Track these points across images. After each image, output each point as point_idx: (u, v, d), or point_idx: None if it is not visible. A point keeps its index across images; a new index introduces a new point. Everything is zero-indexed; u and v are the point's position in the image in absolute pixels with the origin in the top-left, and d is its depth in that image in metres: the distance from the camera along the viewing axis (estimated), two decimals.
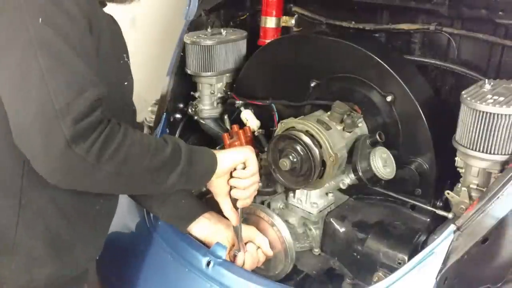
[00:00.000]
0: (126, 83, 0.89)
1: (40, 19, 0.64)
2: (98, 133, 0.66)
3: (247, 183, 0.86)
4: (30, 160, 0.67)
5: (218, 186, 0.86)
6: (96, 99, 0.67)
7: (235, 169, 0.85)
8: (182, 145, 0.79)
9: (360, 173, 0.94)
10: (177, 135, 1.30)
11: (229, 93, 1.27)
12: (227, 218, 0.92)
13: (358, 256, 0.96)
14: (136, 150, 0.71)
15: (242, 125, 1.18)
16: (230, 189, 0.87)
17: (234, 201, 0.88)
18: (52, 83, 0.63)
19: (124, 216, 1.15)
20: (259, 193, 1.01)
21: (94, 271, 0.99)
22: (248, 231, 0.93)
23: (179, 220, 0.96)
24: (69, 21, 0.67)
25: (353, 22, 1.19)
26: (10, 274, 0.76)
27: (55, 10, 0.66)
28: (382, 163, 0.94)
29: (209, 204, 0.99)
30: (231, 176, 0.86)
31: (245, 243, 0.93)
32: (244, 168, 0.85)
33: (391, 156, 0.97)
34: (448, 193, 0.90)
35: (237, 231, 0.90)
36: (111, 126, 0.68)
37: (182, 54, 1.27)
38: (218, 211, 0.93)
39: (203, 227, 0.95)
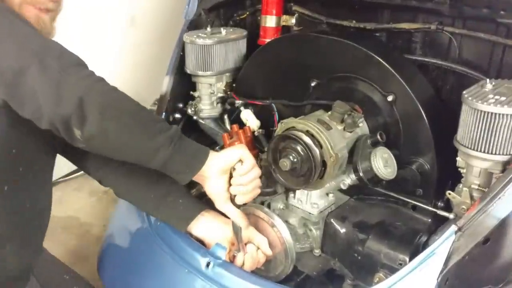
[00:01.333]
0: None
1: None
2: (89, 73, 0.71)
3: (250, 177, 0.85)
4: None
5: (215, 188, 0.84)
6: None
7: (234, 169, 0.84)
8: (174, 126, 0.79)
9: (361, 173, 0.94)
10: None
11: (229, 92, 1.27)
12: (226, 216, 0.91)
13: (359, 257, 0.96)
14: (128, 100, 0.74)
15: (242, 125, 1.18)
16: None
17: (233, 198, 0.87)
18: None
19: (124, 217, 1.14)
20: (260, 193, 1.00)
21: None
22: (247, 232, 0.93)
23: (177, 220, 0.96)
24: None
25: (354, 21, 1.19)
26: None
27: None
28: (383, 163, 0.94)
29: (209, 204, 0.98)
30: (230, 177, 0.85)
31: (245, 244, 0.93)
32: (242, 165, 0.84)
33: (392, 156, 0.97)
34: (449, 194, 0.89)
35: (237, 232, 0.90)
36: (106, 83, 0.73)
37: (181, 53, 1.27)
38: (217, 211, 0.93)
39: (202, 225, 0.94)
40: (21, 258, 0.86)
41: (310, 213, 1.02)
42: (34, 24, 0.79)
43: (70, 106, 0.68)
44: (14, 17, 0.73)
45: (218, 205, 0.88)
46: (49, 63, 0.68)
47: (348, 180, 0.98)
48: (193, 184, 0.94)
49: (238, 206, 0.88)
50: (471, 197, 0.86)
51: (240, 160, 0.84)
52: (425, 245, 0.92)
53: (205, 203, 0.99)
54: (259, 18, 1.35)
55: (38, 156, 0.85)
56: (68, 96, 0.68)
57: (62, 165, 1.04)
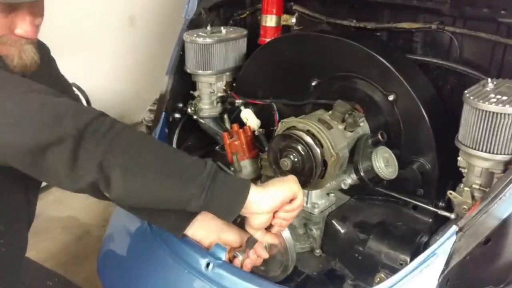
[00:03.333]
0: None
1: None
2: (106, 125, 0.67)
3: (294, 215, 0.81)
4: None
5: (260, 224, 0.78)
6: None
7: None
8: (208, 161, 0.72)
9: (362, 173, 0.93)
10: (176, 134, 1.29)
11: (229, 92, 1.26)
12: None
13: (360, 257, 0.96)
14: (151, 148, 0.70)
15: (242, 124, 1.18)
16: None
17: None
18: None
19: (123, 218, 1.14)
20: None
21: None
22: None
23: (173, 229, 0.93)
24: None
25: (354, 21, 1.18)
26: None
27: None
28: (384, 163, 0.94)
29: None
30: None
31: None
32: (290, 201, 0.79)
33: (393, 156, 0.96)
34: (450, 193, 0.89)
35: (251, 244, 0.88)
36: (121, 124, 0.68)
37: (181, 53, 1.26)
38: None
39: (197, 229, 0.92)
40: None
41: (310, 213, 1.01)
42: (9, 59, 0.76)
43: (92, 176, 0.66)
44: (14, 85, 0.69)
45: (250, 231, 0.83)
46: (65, 132, 0.65)
47: (349, 180, 0.98)
48: None
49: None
50: (472, 197, 0.86)
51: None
52: (426, 245, 0.92)
53: None
54: (259, 17, 1.35)
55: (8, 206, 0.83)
56: (87, 166, 0.66)
57: None
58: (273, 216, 0.79)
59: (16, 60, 0.77)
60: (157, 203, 0.74)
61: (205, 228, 0.93)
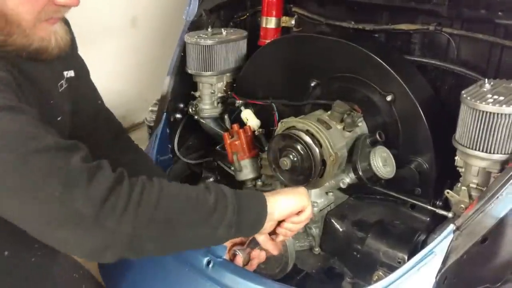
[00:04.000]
0: (59, 119, 0.77)
1: None
2: (124, 197, 0.59)
3: (300, 227, 0.82)
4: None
5: (265, 227, 0.77)
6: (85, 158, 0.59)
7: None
8: (226, 192, 0.70)
9: (360, 172, 0.94)
10: (177, 134, 1.30)
11: (229, 92, 1.27)
12: None
13: (358, 255, 0.97)
14: (175, 206, 0.64)
15: (242, 124, 1.18)
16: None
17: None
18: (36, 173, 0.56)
19: None
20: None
21: None
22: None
23: None
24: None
25: (353, 23, 1.19)
26: None
27: None
28: (382, 162, 0.94)
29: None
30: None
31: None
32: (298, 213, 0.80)
33: (391, 156, 0.97)
34: (448, 193, 0.90)
35: (254, 245, 0.89)
36: (138, 185, 0.61)
37: (182, 54, 1.27)
38: None
39: None
40: None
41: None
42: (47, 42, 0.67)
43: (122, 253, 0.61)
44: (22, 135, 0.57)
45: (256, 235, 0.82)
46: (78, 212, 0.56)
47: (348, 179, 0.99)
48: None
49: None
50: (470, 196, 0.87)
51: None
52: (423, 244, 0.93)
53: None
54: (259, 19, 1.36)
55: None
56: (114, 246, 0.60)
57: None
58: (279, 225, 0.80)
59: (53, 42, 0.69)
60: (194, 249, 0.76)
61: None
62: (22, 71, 0.67)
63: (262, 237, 0.84)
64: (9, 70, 0.64)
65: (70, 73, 0.82)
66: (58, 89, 0.78)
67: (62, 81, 0.79)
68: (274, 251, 0.86)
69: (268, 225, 0.78)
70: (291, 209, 0.78)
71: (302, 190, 0.82)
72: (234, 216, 0.70)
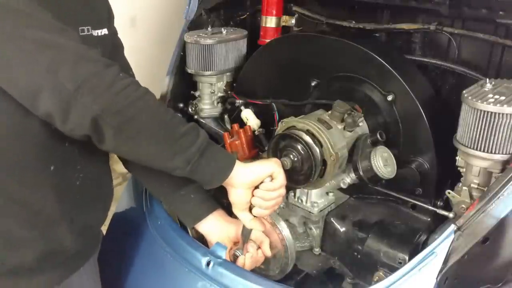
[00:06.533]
0: None
1: None
2: (106, 81, 0.66)
3: (274, 195, 0.82)
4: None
5: (238, 197, 0.82)
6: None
7: (262, 181, 0.81)
8: (201, 134, 0.75)
9: (361, 172, 0.94)
10: None
11: (229, 92, 1.27)
12: (235, 217, 0.90)
13: (359, 256, 0.96)
14: (148, 113, 0.69)
15: (242, 124, 1.18)
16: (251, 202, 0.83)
17: (251, 207, 0.85)
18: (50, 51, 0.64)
19: (124, 216, 1.15)
20: None
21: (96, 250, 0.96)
22: (256, 232, 0.91)
23: (185, 216, 0.95)
24: None
25: (353, 22, 1.19)
26: None
27: None
28: (383, 162, 0.94)
29: (217, 194, 0.97)
30: (255, 188, 0.82)
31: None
32: (271, 181, 0.81)
33: (392, 156, 0.97)
34: (449, 193, 0.89)
35: (246, 235, 0.89)
36: (125, 80, 0.67)
37: (182, 53, 1.27)
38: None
39: (208, 223, 0.93)
40: (77, 232, 0.84)
41: (310, 212, 1.02)
42: None
43: (85, 129, 0.67)
44: (21, 16, 0.66)
45: (235, 211, 0.86)
46: (61, 82, 0.64)
47: (348, 179, 0.99)
48: None
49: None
50: (471, 196, 0.87)
51: (270, 175, 0.81)
52: (424, 244, 0.93)
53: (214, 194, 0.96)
54: (259, 18, 1.35)
55: None
56: (80, 120, 0.66)
57: None
58: (252, 195, 0.82)
59: None
60: (144, 164, 0.77)
61: (213, 225, 0.93)
62: None
63: (243, 214, 0.84)
64: None
65: (104, 31, 0.86)
66: (79, 32, 0.80)
67: (84, 28, 0.81)
68: (259, 227, 0.86)
69: (240, 193, 0.80)
70: (259, 173, 0.80)
71: (274, 159, 0.85)
72: (197, 155, 0.72)
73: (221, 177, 0.78)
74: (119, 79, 0.68)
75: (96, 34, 0.83)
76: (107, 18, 0.89)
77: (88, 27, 0.81)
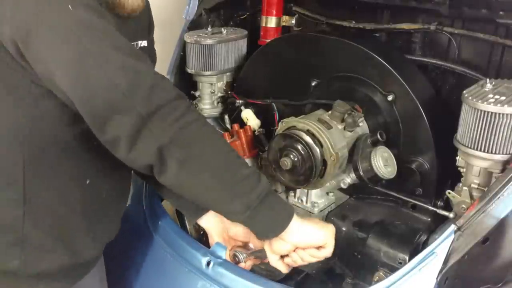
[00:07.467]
0: None
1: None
2: (178, 112, 0.65)
3: (313, 260, 0.79)
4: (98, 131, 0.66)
5: (279, 248, 0.77)
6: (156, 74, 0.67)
7: None
8: (262, 179, 0.71)
9: (361, 173, 0.94)
10: None
11: (229, 92, 1.27)
12: None
13: (359, 256, 0.96)
14: (214, 151, 0.68)
15: (242, 124, 1.18)
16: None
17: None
18: (111, 65, 0.64)
19: (124, 216, 1.14)
20: None
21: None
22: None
23: (188, 211, 0.94)
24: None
25: (354, 22, 1.19)
26: (21, 265, 0.76)
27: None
28: (383, 162, 0.94)
29: None
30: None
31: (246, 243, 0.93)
32: (319, 248, 0.78)
33: (392, 156, 0.97)
34: (449, 193, 0.89)
35: (260, 255, 0.87)
36: (195, 114, 0.67)
37: (182, 53, 1.27)
38: None
39: (210, 218, 0.92)
40: (97, 244, 0.85)
41: (310, 212, 1.02)
42: (128, 4, 0.74)
43: (149, 158, 0.65)
44: (104, 36, 0.65)
45: (266, 249, 0.81)
46: (136, 107, 0.63)
47: (348, 179, 0.99)
48: None
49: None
50: (471, 196, 0.87)
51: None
52: (424, 244, 0.93)
53: None
54: (259, 18, 1.35)
55: None
56: (147, 148, 0.64)
57: None
58: (294, 249, 0.79)
59: (130, 1, 0.76)
60: (200, 203, 0.77)
61: (216, 220, 0.93)
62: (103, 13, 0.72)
63: (273, 256, 0.81)
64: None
65: (144, 43, 0.87)
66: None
67: (134, 44, 0.83)
68: (283, 270, 0.83)
69: (284, 247, 0.77)
70: (313, 241, 0.77)
71: (331, 227, 0.80)
72: (256, 202, 0.69)
73: (277, 230, 0.74)
74: (190, 111, 0.67)
75: (139, 46, 0.85)
76: (147, 29, 0.90)
77: (137, 42, 0.84)
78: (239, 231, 0.92)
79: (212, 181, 0.69)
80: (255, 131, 1.17)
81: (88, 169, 0.77)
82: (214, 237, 0.93)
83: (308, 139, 0.91)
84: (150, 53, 0.92)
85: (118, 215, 0.91)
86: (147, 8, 0.90)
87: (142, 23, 0.88)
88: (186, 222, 1.09)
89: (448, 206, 0.94)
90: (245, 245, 0.93)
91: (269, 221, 0.73)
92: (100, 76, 0.63)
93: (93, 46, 0.64)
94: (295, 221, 0.75)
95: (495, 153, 0.82)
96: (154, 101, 0.64)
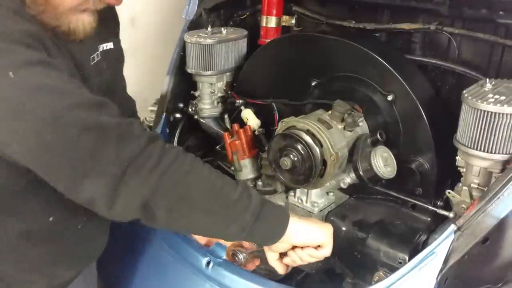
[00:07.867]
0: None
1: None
2: (153, 160, 0.61)
3: (311, 260, 0.80)
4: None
5: (278, 247, 0.77)
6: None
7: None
8: (253, 195, 0.70)
9: (361, 172, 0.94)
10: (177, 134, 1.29)
11: (229, 92, 1.27)
12: None
13: (359, 256, 0.96)
14: (199, 187, 0.65)
15: (242, 124, 1.18)
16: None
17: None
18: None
19: None
20: (259, 192, 1.00)
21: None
22: None
23: None
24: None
25: (353, 22, 1.19)
26: None
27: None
28: (383, 162, 0.94)
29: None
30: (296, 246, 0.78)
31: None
32: (317, 248, 0.79)
33: (392, 156, 0.97)
34: (449, 193, 0.90)
35: (261, 253, 0.88)
36: (170, 153, 0.63)
37: (182, 53, 1.27)
38: None
39: None
40: (72, 271, 0.85)
41: (310, 211, 1.02)
42: (74, 26, 0.68)
43: (133, 213, 0.63)
44: (60, 96, 0.59)
45: (265, 249, 0.82)
46: (106, 167, 0.59)
47: (348, 179, 0.99)
48: None
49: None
50: (471, 196, 0.87)
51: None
52: (424, 244, 0.93)
53: None
54: (259, 18, 1.35)
55: None
56: (129, 205, 0.62)
57: None
58: (293, 249, 0.79)
59: (81, 28, 0.70)
60: (197, 234, 0.79)
61: None
62: (54, 42, 0.68)
63: (271, 254, 0.82)
64: (41, 33, 0.64)
65: (109, 45, 0.83)
66: (90, 62, 0.78)
67: (95, 54, 0.79)
68: (281, 270, 0.84)
69: (282, 246, 0.77)
70: (311, 239, 0.77)
71: (329, 227, 0.81)
72: (251, 221, 0.69)
73: (276, 237, 0.75)
74: (164, 153, 0.63)
75: (101, 49, 0.81)
76: (114, 29, 0.87)
77: (101, 44, 0.80)
78: None
79: (204, 215, 0.67)
80: (255, 131, 1.17)
81: (49, 207, 0.74)
82: None
83: (308, 139, 0.91)
84: (116, 55, 0.88)
85: (103, 229, 0.89)
86: (109, 10, 0.83)
87: (108, 23, 0.83)
88: None
89: (448, 206, 0.94)
90: (244, 244, 0.93)
91: (267, 232, 0.74)
92: (60, 144, 0.58)
93: (45, 111, 0.58)
94: (293, 222, 0.75)
95: (495, 153, 0.82)
96: (124, 155, 0.60)
